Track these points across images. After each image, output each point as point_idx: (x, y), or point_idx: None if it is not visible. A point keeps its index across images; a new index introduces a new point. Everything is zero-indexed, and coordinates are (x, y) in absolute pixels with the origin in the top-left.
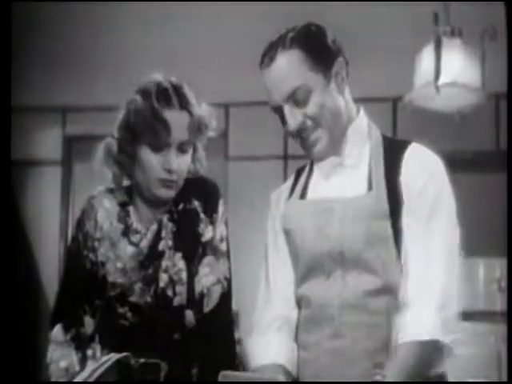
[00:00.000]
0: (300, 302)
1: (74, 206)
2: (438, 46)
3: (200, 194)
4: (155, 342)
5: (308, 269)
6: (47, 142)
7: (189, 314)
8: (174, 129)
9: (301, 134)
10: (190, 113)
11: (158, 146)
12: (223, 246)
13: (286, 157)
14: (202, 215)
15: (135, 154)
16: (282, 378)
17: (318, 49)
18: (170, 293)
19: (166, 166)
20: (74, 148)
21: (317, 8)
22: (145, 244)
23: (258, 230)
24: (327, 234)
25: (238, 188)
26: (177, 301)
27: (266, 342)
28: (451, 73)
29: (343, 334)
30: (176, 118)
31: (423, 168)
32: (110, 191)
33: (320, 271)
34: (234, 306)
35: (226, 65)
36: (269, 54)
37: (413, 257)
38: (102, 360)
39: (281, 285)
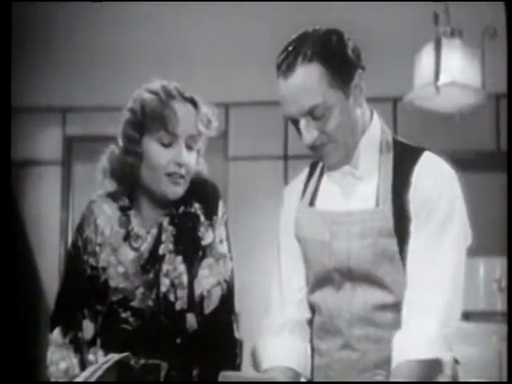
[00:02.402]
0: (313, 308)
1: (74, 206)
2: (437, 46)
3: (200, 196)
4: (158, 346)
5: (317, 279)
6: (47, 142)
7: (190, 318)
8: (182, 119)
9: (315, 147)
10: (196, 107)
11: (167, 139)
12: (223, 248)
13: (285, 157)
14: (203, 218)
15: (143, 152)
16: (283, 379)
17: (339, 62)
18: (171, 297)
19: (175, 160)
20: (74, 148)
21: (316, 8)
22: (145, 248)
23: (258, 230)
24: (334, 249)
25: (237, 188)
26: (178, 305)
27: (278, 344)
28: (451, 73)
29: (353, 347)
30: (183, 110)
31: (436, 185)
32: (110, 195)
33: (329, 282)
34: (235, 307)
35: (225, 65)
36: (287, 62)
37: (418, 273)
38: (102, 360)
39: (294, 287)
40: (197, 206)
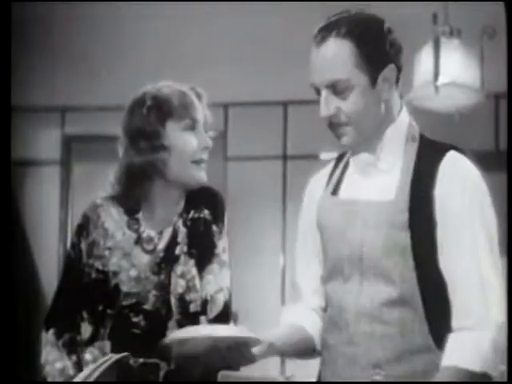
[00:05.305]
0: (326, 301)
1: (74, 206)
2: (436, 46)
3: (209, 204)
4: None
5: (331, 269)
6: (46, 142)
7: (203, 321)
8: (198, 108)
9: (331, 124)
10: (200, 98)
11: (192, 126)
12: (225, 256)
13: (285, 157)
14: (214, 226)
15: (164, 143)
16: (281, 378)
17: (373, 48)
18: (187, 299)
19: (202, 144)
20: (74, 148)
21: (316, 8)
22: (161, 247)
23: (257, 230)
24: (348, 237)
25: (236, 188)
26: (192, 307)
27: (293, 310)
28: (450, 73)
29: (357, 342)
30: (196, 101)
31: (464, 185)
32: (114, 199)
33: (339, 274)
34: (234, 307)
35: (225, 65)
36: (322, 34)
37: (465, 282)
38: (101, 360)
39: (312, 276)
40: (206, 212)
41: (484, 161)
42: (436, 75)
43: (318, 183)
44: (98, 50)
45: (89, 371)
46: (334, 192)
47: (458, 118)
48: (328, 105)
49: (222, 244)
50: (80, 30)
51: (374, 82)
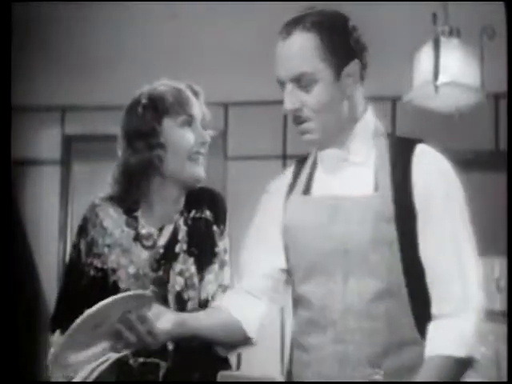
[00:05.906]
0: (299, 302)
1: (74, 206)
2: (436, 45)
3: (211, 205)
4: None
5: (309, 268)
6: (46, 142)
7: None
8: (194, 104)
9: (295, 118)
10: (197, 95)
11: (188, 122)
12: (226, 256)
13: (285, 157)
14: (215, 227)
15: (161, 140)
16: (281, 378)
17: (338, 42)
18: (185, 297)
19: (199, 139)
20: (74, 147)
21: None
22: (161, 243)
23: None
24: (331, 232)
25: (236, 188)
26: (190, 305)
27: (226, 295)
28: (450, 72)
29: (345, 340)
30: (193, 97)
31: (439, 174)
32: (113, 199)
33: (321, 272)
34: None
35: (225, 64)
36: (288, 28)
37: (443, 267)
38: (100, 359)
39: (259, 266)
40: (208, 213)
41: (484, 161)
42: (436, 75)
43: (278, 188)
44: (98, 50)
45: (88, 371)
46: (306, 192)
47: (457, 118)
48: (292, 99)
49: (222, 244)
50: (80, 30)
51: (338, 76)
